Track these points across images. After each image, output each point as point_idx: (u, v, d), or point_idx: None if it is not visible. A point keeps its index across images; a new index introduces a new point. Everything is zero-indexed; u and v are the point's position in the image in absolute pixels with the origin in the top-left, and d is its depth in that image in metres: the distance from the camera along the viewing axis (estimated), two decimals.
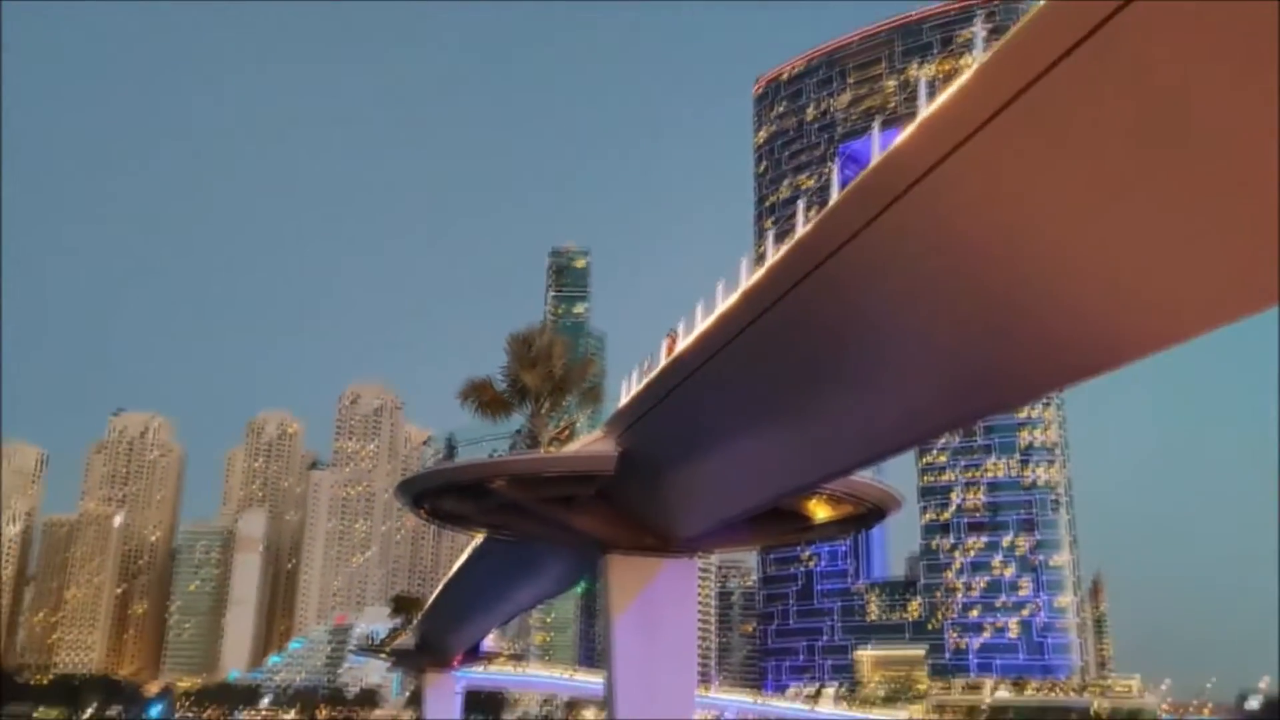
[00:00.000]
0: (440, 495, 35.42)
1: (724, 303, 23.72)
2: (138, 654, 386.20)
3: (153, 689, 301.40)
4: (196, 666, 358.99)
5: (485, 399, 37.88)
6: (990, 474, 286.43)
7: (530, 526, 36.29)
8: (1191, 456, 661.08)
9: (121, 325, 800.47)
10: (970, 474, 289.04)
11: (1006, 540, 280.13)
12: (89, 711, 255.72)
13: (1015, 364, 18.79)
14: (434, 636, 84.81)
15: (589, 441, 32.92)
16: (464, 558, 61.43)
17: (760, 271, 21.17)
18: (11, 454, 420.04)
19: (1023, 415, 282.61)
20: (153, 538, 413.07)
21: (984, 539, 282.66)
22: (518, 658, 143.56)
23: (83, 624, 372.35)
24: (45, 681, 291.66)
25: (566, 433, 36.10)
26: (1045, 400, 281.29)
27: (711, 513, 32.38)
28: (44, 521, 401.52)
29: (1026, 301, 16.25)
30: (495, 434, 36.05)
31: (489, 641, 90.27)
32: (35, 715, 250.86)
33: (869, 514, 36.04)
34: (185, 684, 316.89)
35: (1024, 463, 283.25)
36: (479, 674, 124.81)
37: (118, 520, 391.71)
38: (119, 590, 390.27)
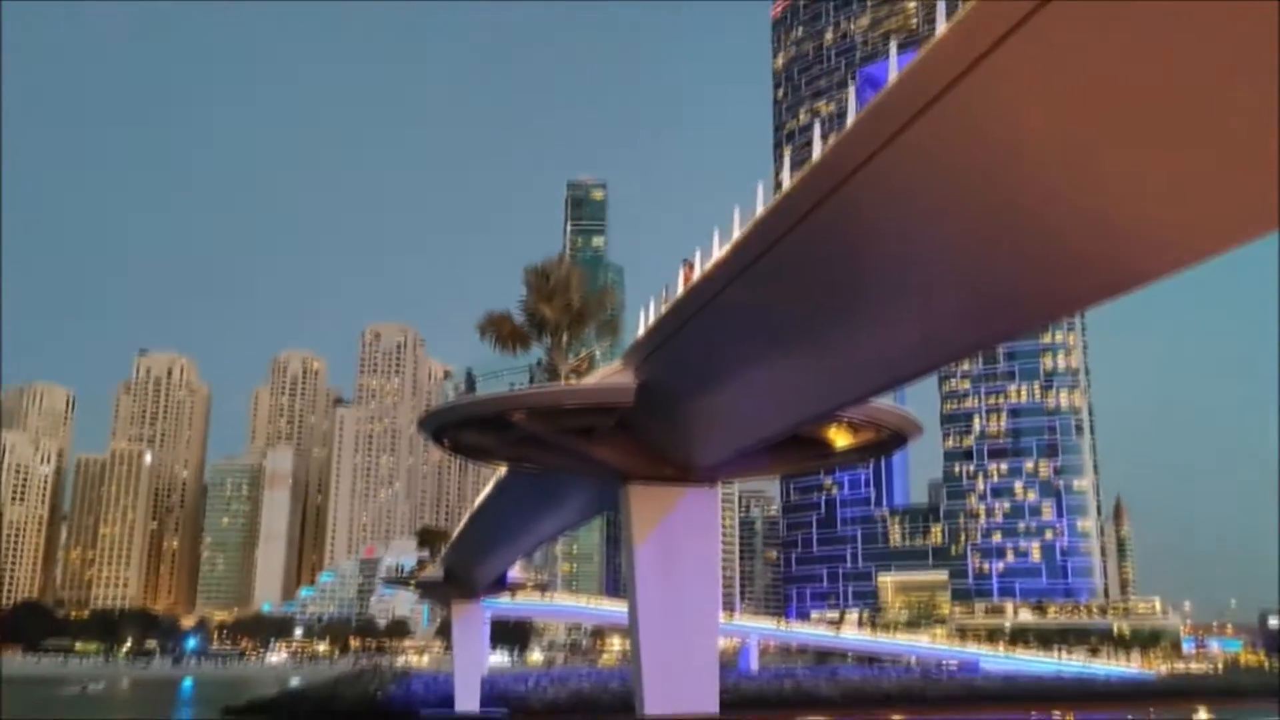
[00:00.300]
0: (461, 429, 35.41)
1: (740, 230, 23.33)
2: (173, 588, 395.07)
3: (188, 622, 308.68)
4: (230, 600, 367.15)
5: (504, 332, 37.73)
6: (1012, 399, 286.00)
7: (551, 458, 36.29)
8: (1215, 380, 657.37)
9: (144, 268, 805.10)
10: (992, 400, 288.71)
11: (1029, 465, 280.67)
12: (127, 644, 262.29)
13: (1038, 284, 18.34)
14: (460, 568, 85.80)
15: (608, 373, 32.75)
16: (487, 490, 61.80)
17: (776, 197, 20.71)
18: (41, 395, 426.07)
19: (1045, 340, 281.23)
20: (183, 475, 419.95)
21: (1006, 464, 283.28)
22: (543, 587, 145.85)
23: (118, 560, 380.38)
24: (84, 616, 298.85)
25: (585, 364, 35.95)
26: (1067, 324, 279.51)
27: (730, 442, 32.26)
28: (76, 460, 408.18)
29: (1053, 217, 15.78)
30: (514, 367, 35.96)
31: (514, 572, 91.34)
32: (76, 648, 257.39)
33: (889, 440, 35.84)
34: (220, 616, 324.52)
35: (1046, 388, 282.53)
36: (505, 603, 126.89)
37: (148, 458, 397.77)
38: (152, 527, 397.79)
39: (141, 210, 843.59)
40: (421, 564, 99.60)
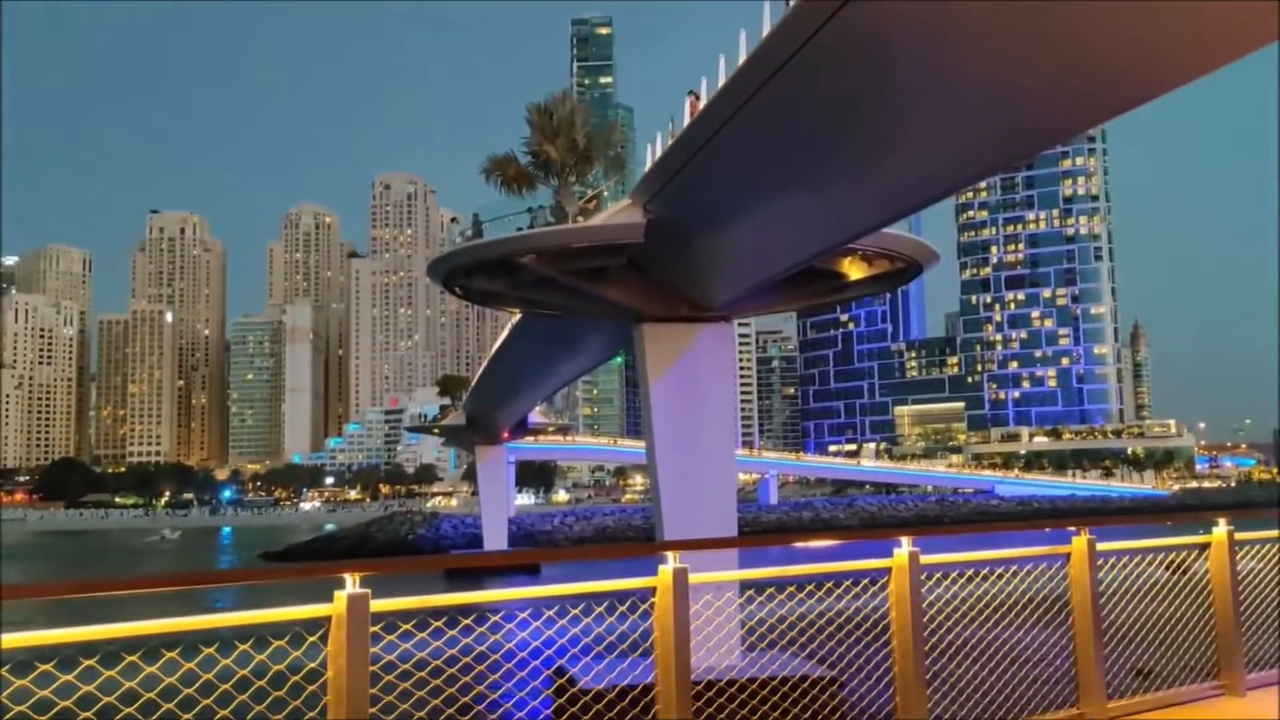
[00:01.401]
0: (470, 274, 34.98)
1: (747, 53, 22.23)
2: (205, 443, 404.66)
3: (222, 474, 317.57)
4: (261, 452, 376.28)
5: (509, 174, 36.76)
6: (1031, 227, 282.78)
7: (563, 300, 35.95)
8: (1237, 201, 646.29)
9: (149, 126, 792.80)
10: (1010, 228, 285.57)
11: (1046, 293, 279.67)
12: (165, 497, 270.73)
13: (1063, 97, 17.43)
14: (481, 413, 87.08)
15: (616, 211, 32.02)
16: (503, 336, 61.99)
17: (785, 12, 19.53)
18: (57, 257, 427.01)
19: (1064, 166, 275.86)
20: (205, 333, 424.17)
21: (1023, 293, 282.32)
22: (565, 430, 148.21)
23: (148, 417, 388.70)
24: (120, 471, 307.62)
25: (593, 203, 35.16)
26: (1088, 148, 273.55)
27: (743, 278, 31.77)
28: (98, 321, 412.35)
29: (1085, 26, 14.83)
30: (520, 209, 35.20)
31: (535, 416, 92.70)
32: (115, 502, 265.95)
33: (904, 270, 35.30)
34: (253, 468, 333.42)
35: (1065, 214, 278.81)
36: (528, 446, 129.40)
37: (168, 317, 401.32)
38: (179, 384, 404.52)
39: (145, 68, 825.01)
40: (444, 411, 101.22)
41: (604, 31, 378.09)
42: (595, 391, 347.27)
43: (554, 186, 36.30)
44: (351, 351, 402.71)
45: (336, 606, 4.22)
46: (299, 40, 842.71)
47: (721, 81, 24.06)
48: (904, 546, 6.05)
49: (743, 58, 22.79)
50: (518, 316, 52.01)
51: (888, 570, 6.03)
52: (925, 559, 6.09)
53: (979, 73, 17.46)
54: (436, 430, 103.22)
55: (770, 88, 20.65)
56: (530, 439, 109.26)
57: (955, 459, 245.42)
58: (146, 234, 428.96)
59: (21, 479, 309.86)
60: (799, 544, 6.05)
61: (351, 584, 4.25)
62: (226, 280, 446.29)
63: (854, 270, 35.02)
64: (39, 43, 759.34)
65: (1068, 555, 6.82)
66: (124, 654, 3.78)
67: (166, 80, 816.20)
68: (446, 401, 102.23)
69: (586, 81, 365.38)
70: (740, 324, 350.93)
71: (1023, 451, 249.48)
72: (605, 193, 36.45)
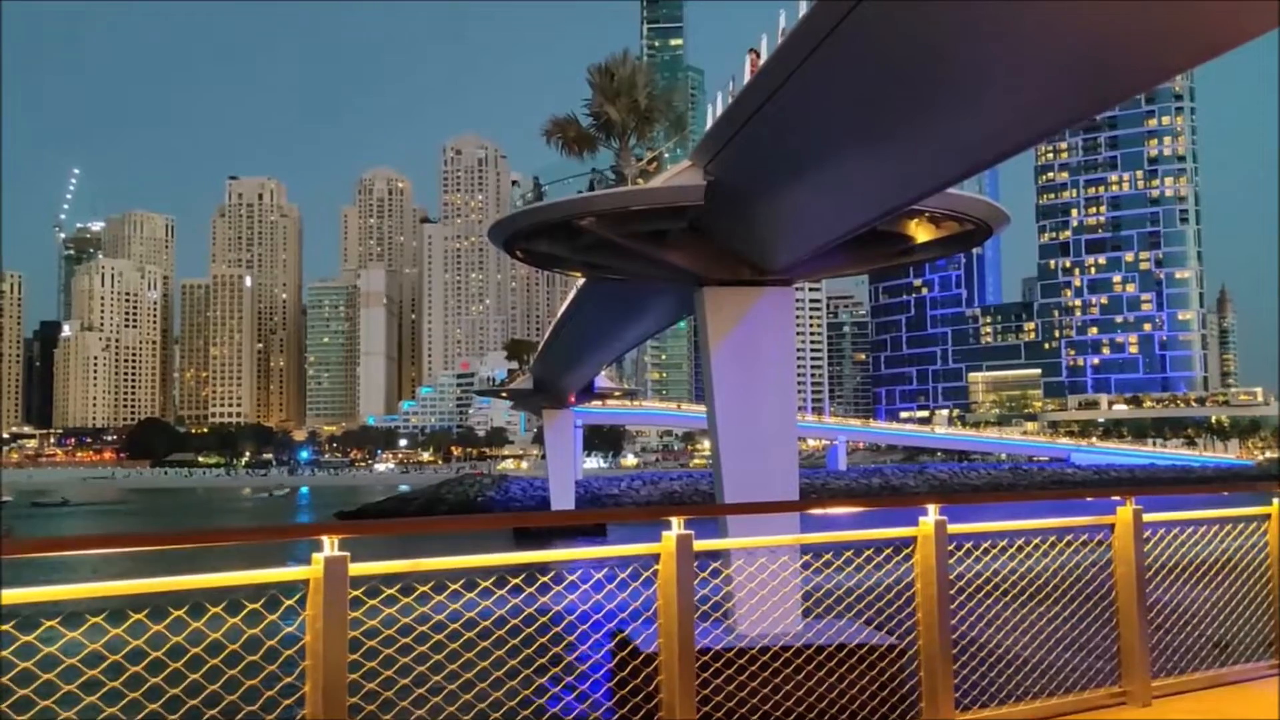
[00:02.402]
0: (531, 237, 34.88)
1: (808, 6, 21.58)
2: (283, 404, 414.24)
3: (300, 435, 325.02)
4: (337, 414, 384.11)
5: (569, 136, 36.48)
6: (1113, 189, 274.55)
7: (624, 264, 35.69)
8: None
9: (229, 94, 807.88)
10: (1092, 190, 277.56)
11: (1129, 257, 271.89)
12: (245, 457, 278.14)
13: (1147, 38, 16.46)
14: (548, 377, 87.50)
15: (676, 173, 31.60)
16: (568, 300, 62.04)
17: None
18: (141, 223, 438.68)
19: (1150, 125, 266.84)
20: (282, 297, 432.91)
21: (1104, 257, 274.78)
22: (631, 394, 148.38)
23: (229, 379, 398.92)
24: (203, 432, 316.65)
25: (654, 165, 34.75)
26: (1175, 107, 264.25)
27: (806, 240, 31.19)
28: (181, 285, 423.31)
29: None
30: (581, 172, 34.95)
31: (602, 380, 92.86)
32: (198, 461, 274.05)
33: (974, 232, 34.31)
34: (329, 429, 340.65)
35: (1150, 175, 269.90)
36: (595, 410, 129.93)
37: (248, 281, 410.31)
38: (258, 347, 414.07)
39: (224, 38, 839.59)
40: (512, 374, 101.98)
41: None
42: (664, 356, 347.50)
43: (615, 149, 35.97)
44: (424, 315, 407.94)
45: (314, 570, 4.10)
46: (369, 9, 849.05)
47: (781, 38, 23.47)
48: (930, 515, 5.76)
49: (803, 11, 22.17)
50: (582, 281, 51.96)
51: (913, 539, 5.75)
52: (954, 528, 5.80)
53: (1056, 12, 16.60)
54: (504, 394, 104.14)
55: (833, 40, 19.98)
56: (597, 403, 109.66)
57: (1030, 426, 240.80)
58: (226, 199, 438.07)
59: (110, 438, 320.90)
60: (816, 510, 5.80)
61: (330, 547, 4.13)
62: (303, 245, 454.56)
63: (921, 232, 34.16)
64: (124, 16, 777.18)
65: (1112, 526, 6.46)
66: (88, 615, 3.71)
67: (244, 50, 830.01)
68: (514, 365, 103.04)
69: (656, 44, 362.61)
70: (811, 289, 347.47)
71: (1101, 419, 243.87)
72: (666, 154, 35.99)
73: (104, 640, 3.80)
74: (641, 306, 52.41)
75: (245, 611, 4.19)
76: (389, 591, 4.43)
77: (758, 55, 26.62)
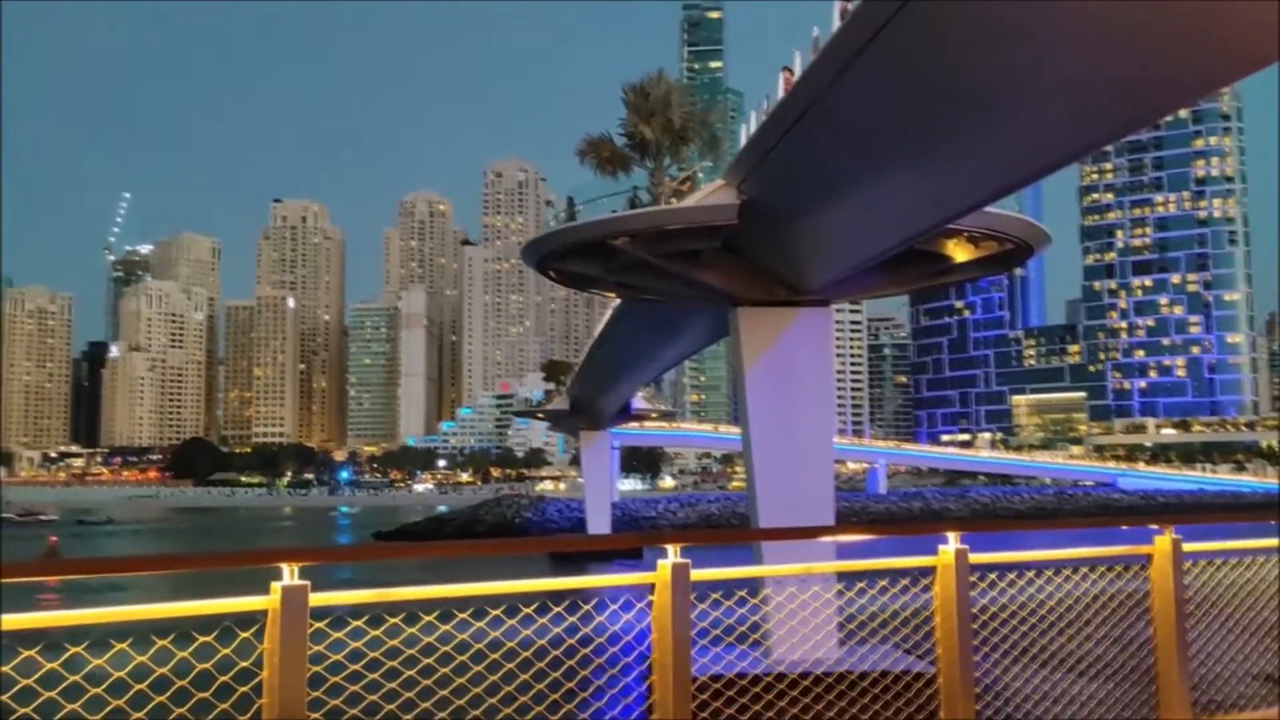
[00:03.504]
0: (564, 257, 34.73)
1: (842, 21, 21.30)
2: (325, 424, 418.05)
3: (340, 455, 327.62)
4: (377, 434, 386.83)
5: (603, 155, 36.48)
6: (1160, 210, 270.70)
7: (658, 284, 35.44)
8: None
9: (273, 117, 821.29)
10: (1137, 211, 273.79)
11: (1176, 279, 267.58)
12: (287, 477, 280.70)
13: (1195, 44, 15.89)
14: (585, 398, 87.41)
15: (709, 192, 31.37)
16: (604, 322, 61.95)
17: None
18: (188, 245, 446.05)
19: (1198, 145, 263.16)
20: (325, 318, 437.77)
21: (1151, 279, 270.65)
22: (668, 415, 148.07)
23: (272, 399, 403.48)
24: (246, 451, 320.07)
25: (688, 184, 34.56)
26: (1223, 127, 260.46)
27: (841, 260, 30.76)
28: (226, 307, 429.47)
29: None
30: (614, 191, 34.86)
31: (639, 401, 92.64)
32: (241, 480, 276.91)
33: (1014, 252, 33.68)
34: (369, 450, 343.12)
35: (1197, 196, 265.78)
36: (632, 432, 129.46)
37: (291, 303, 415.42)
38: (301, 368, 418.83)
39: (266, 62, 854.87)
40: (549, 395, 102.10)
41: (715, 15, 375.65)
42: (703, 378, 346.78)
43: (649, 168, 35.85)
44: (464, 337, 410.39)
45: (272, 600, 3.82)
46: (411, 32, 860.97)
47: (813, 56, 23.21)
48: (951, 543, 5.40)
49: (836, 22, 21.91)
50: (617, 301, 51.81)
51: (933, 569, 5.38)
52: (976, 557, 5.43)
53: (1101, 18, 16.10)
54: (541, 415, 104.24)
55: (867, 55, 19.69)
56: (634, 425, 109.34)
57: (1075, 450, 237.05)
58: (270, 222, 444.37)
59: (155, 457, 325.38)
60: (826, 538, 5.46)
61: (289, 575, 3.85)
62: (345, 267, 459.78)
63: (960, 252, 33.60)
64: (164, 38, 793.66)
65: (1149, 556, 6.05)
66: (20, 648, 3.45)
67: (287, 74, 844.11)
68: (551, 386, 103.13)
69: (696, 66, 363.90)
70: (852, 310, 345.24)
71: (1148, 443, 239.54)
72: (700, 174, 35.78)
73: (38, 675, 3.55)
74: (678, 327, 52.13)
75: (195, 645, 3.91)
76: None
77: (791, 73, 26.36)
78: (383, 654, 4.32)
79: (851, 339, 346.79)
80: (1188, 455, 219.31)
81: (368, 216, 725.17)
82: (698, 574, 4.69)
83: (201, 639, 3.93)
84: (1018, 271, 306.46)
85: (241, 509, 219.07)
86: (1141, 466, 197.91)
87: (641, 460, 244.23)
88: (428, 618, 4.26)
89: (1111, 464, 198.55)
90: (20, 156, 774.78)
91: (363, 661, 4.22)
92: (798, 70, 25.43)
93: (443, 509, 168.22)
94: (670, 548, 4.66)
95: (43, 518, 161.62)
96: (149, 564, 3.81)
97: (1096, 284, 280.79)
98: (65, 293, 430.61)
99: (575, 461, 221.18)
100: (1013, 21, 16.79)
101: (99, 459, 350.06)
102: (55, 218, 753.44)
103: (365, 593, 4.03)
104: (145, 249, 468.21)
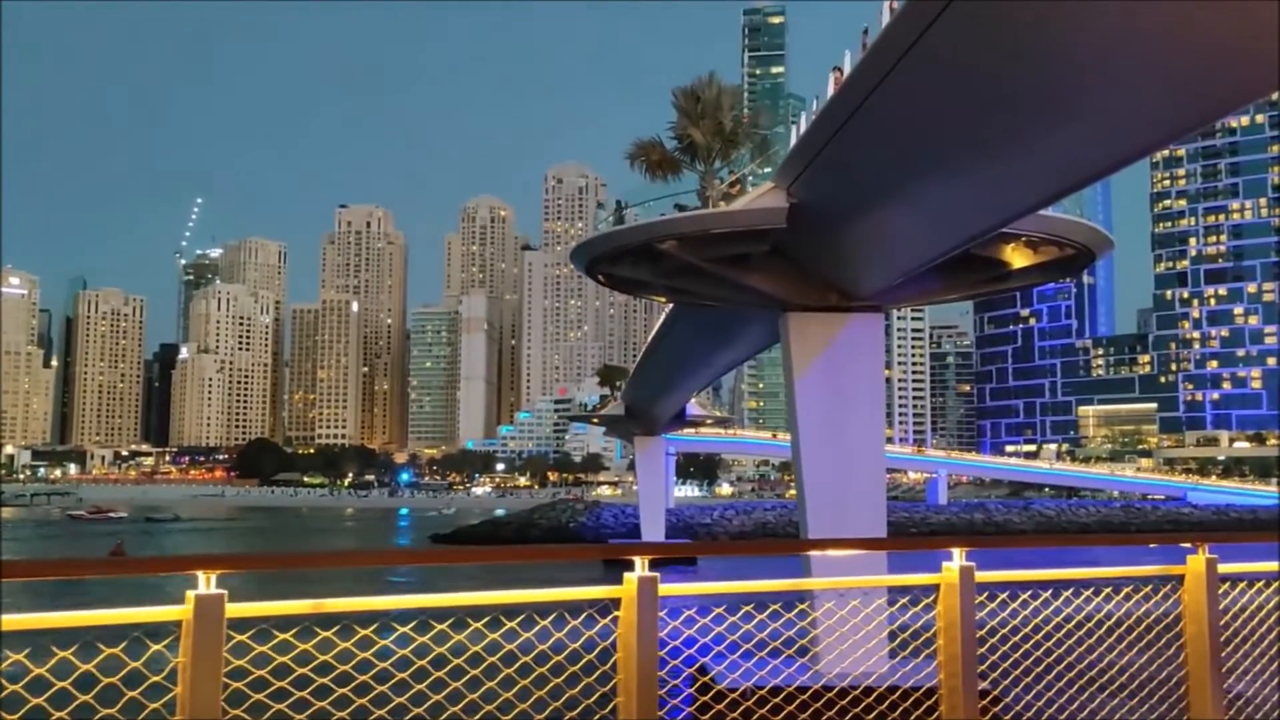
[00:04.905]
0: (612, 261, 34.48)
1: (892, 17, 20.73)
2: (386, 427, 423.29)
3: (401, 458, 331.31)
4: (437, 437, 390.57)
5: (653, 159, 36.14)
6: (1234, 217, 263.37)
7: (707, 289, 35.02)
8: None
9: (338, 124, 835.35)
10: (1211, 218, 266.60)
11: (1251, 288, 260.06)
12: (348, 478, 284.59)
13: (1262, 42, 15.12)
14: (639, 403, 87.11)
15: (758, 195, 30.89)
16: (657, 327, 61.68)
17: None
18: (255, 250, 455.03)
19: (1274, 151, 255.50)
20: (387, 322, 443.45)
21: (1225, 287, 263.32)
22: (724, 422, 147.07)
23: (335, 401, 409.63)
24: (309, 452, 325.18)
25: (737, 188, 34.10)
26: None
27: (892, 264, 30.10)
28: (291, 310, 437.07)
29: None
30: (664, 194, 34.53)
31: (693, 407, 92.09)
32: (304, 481, 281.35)
33: (1075, 258, 32.72)
34: (429, 452, 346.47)
35: (1275, 203, 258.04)
36: (687, 438, 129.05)
37: (354, 307, 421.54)
38: (363, 370, 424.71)
39: (334, 71, 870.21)
40: (603, 400, 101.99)
41: (776, 20, 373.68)
42: (761, 385, 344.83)
43: (700, 171, 35.46)
44: (524, 341, 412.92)
45: (185, 610, 3.55)
46: (476, 38, 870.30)
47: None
48: (955, 560, 4.97)
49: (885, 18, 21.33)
50: (670, 306, 51.49)
51: (935, 587, 4.96)
52: (984, 575, 5.00)
53: (1158, 16, 15.38)
54: (596, 420, 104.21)
55: (914, 54, 19.09)
56: (689, 430, 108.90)
57: (1145, 463, 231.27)
58: (336, 227, 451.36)
59: (221, 457, 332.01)
60: (814, 553, 5.04)
61: (205, 584, 3.57)
62: (408, 271, 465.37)
63: (1018, 257, 32.74)
64: (235, 48, 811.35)
65: (1181, 577, 5.55)
66: None
67: (353, 82, 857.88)
68: (606, 391, 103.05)
69: (758, 72, 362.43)
70: (914, 317, 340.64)
71: (1221, 456, 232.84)
72: (750, 176, 35.31)
73: None
74: (730, 332, 51.63)
75: (102, 656, 3.65)
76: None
77: (841, 73, 25.81)
78: (312, 670, 4.03)
79: (913, 346, 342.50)
80: (1263, 469, 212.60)
81: (430, 221, 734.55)
82: (666, 589, 4.33)
83: (108, 650, 3.67)
84: (1086, 279, 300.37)
85: (304, 509, 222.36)
86: (1214, 480, 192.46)
87: (699, 467, 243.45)
88: (363, 631, 3.96)
89: (1182, 478, 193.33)
90: (100, 163, 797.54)
91: (290, 678, 3.94)
92: (848, 70, 24.89)
93: (500, 512, 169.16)
94: (638, 560, 4.31)
95: (112, 515, 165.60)
96: (24, 570, 3.54)
97: (1168, 292, 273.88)
98: (139, 295, 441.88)
99: (633, 467, 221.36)
100: (1061, 21, 16.15)
101: (168, 458, 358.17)
102: (132, 222, 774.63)
103: (297, 603, 3.75)
104: (215, 253, 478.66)
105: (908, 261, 29.73)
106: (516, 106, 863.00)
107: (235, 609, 3.60)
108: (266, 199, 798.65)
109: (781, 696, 6.24)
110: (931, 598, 5.54)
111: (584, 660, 4.47)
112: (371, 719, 4.14)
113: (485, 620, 4.20)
